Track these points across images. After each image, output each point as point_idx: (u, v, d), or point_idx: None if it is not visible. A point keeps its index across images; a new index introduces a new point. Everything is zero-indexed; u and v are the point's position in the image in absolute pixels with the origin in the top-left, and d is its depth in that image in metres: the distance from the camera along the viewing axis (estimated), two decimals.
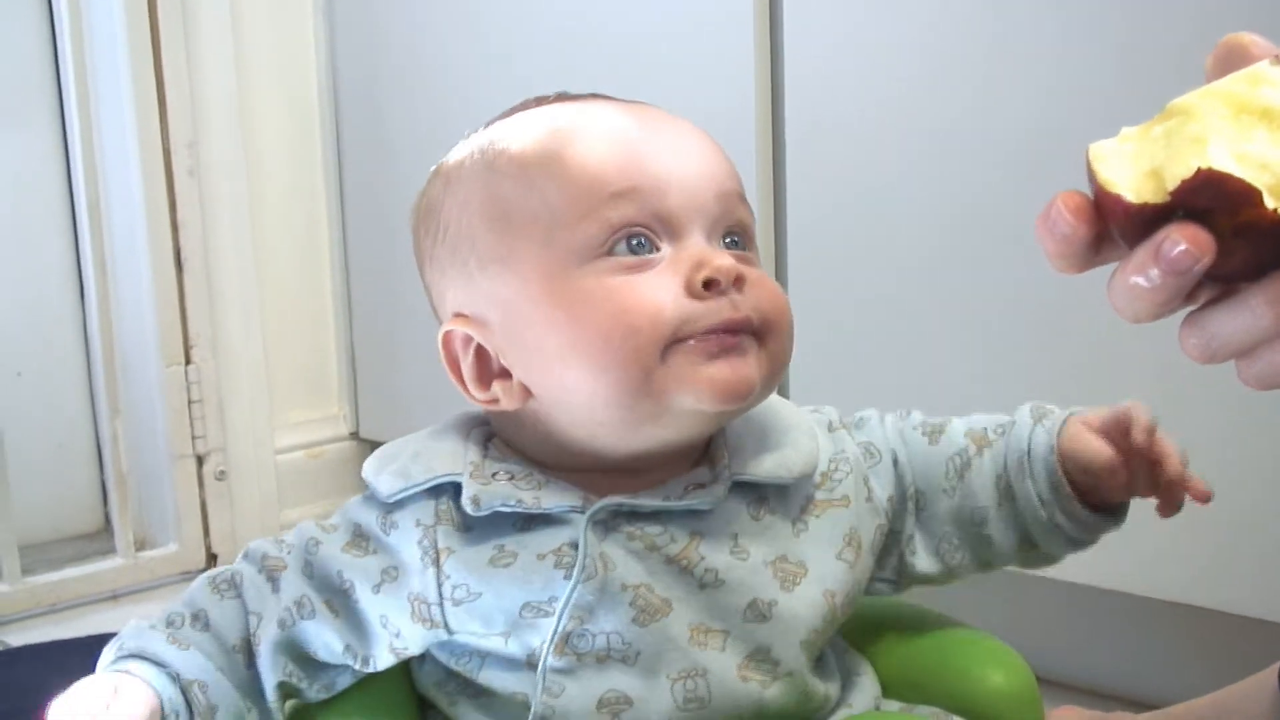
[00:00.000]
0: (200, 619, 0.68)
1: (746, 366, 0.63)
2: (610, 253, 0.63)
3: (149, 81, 1.54)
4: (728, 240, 0.66)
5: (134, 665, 0.65)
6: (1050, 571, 1.11)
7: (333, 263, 1.78)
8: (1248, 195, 0.43)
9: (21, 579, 1.48)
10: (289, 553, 0.70)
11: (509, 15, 1.46)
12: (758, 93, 1.23)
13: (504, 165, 0.67)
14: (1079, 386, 1.07)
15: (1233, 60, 0.48)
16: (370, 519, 0.69)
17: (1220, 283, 0.46)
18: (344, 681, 0.70)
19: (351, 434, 1.80)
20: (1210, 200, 0.44)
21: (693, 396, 0.63)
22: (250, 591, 0.69)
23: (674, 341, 0.62)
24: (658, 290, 0.62)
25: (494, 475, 0.67)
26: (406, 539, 0.67)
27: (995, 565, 0.73)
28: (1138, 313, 0.46)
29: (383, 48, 1.63)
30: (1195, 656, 1.11)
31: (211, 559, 1.62)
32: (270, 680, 0.67)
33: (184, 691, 0.65)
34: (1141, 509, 1.06)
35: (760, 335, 0.64)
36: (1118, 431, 0.68)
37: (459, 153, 0.71)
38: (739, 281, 0.63)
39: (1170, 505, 0.69)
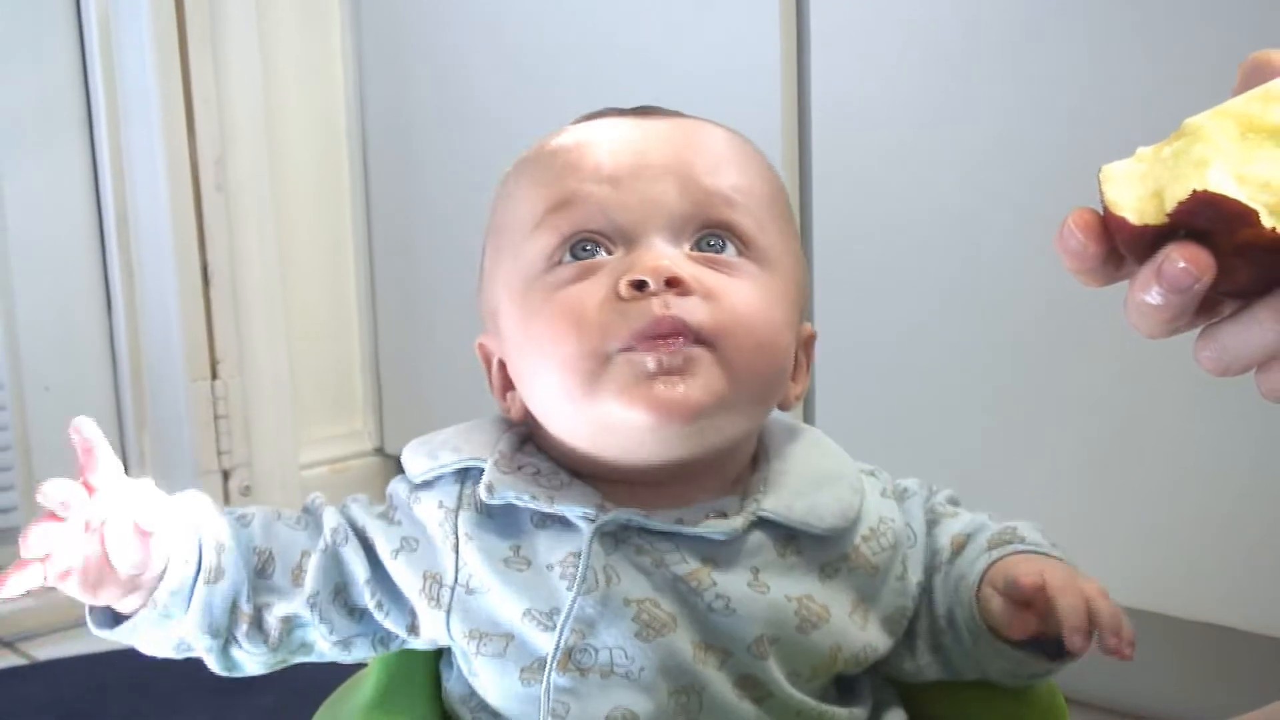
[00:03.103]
0: (245, 518, 0.68)
1: (688, 388, 0.61)
2: (562, 261, 0.64)
3: (177, 97, 1.54)
4: (708, 241, 0.64)
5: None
6: None
7: (358, 278, 1.78)
8: (1244, 215, 0.44)
9: (47, 594, 1.48)
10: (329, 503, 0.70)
11: (537, 30, 1.46)
12: (784, 120, 1.22)
13: (502, 184, 0.70)
14: (1104, 413, 1.06)
15: (1258, 77, 0.49)
16: (401, 491, 0.69)
17: (1235, 298, 0.47)
18: (361, 648, 0.68)
19: (376, 450, 1.80)
20: (1208, 221, 0.45)
21: (626, 411, 0.61)
22: (294, 521, 0.69)
23: (618, 350, 0.61)
24: (586, 296, 0.62)
25: (519, 468, 0.66)
26: (429, 517, 0.67)
27: (960, 677, 0.69)
28: (1150, 329, 0.48)
29: (410, 63, 1.64)
30: (1223, 676, 1.10)
31: None
32: (313, 586, 0.66)
33: (199, 545, 0.64)
34: (1173, 531, 1.06)
35: (712, 344, 0.61)
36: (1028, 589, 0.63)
37: None
38: (675, 284, 0.61)
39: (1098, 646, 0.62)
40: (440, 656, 0.71)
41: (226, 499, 1.62)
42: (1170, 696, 1.14)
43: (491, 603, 0.64)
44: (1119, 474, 1.06)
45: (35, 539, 0.59)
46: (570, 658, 0.63)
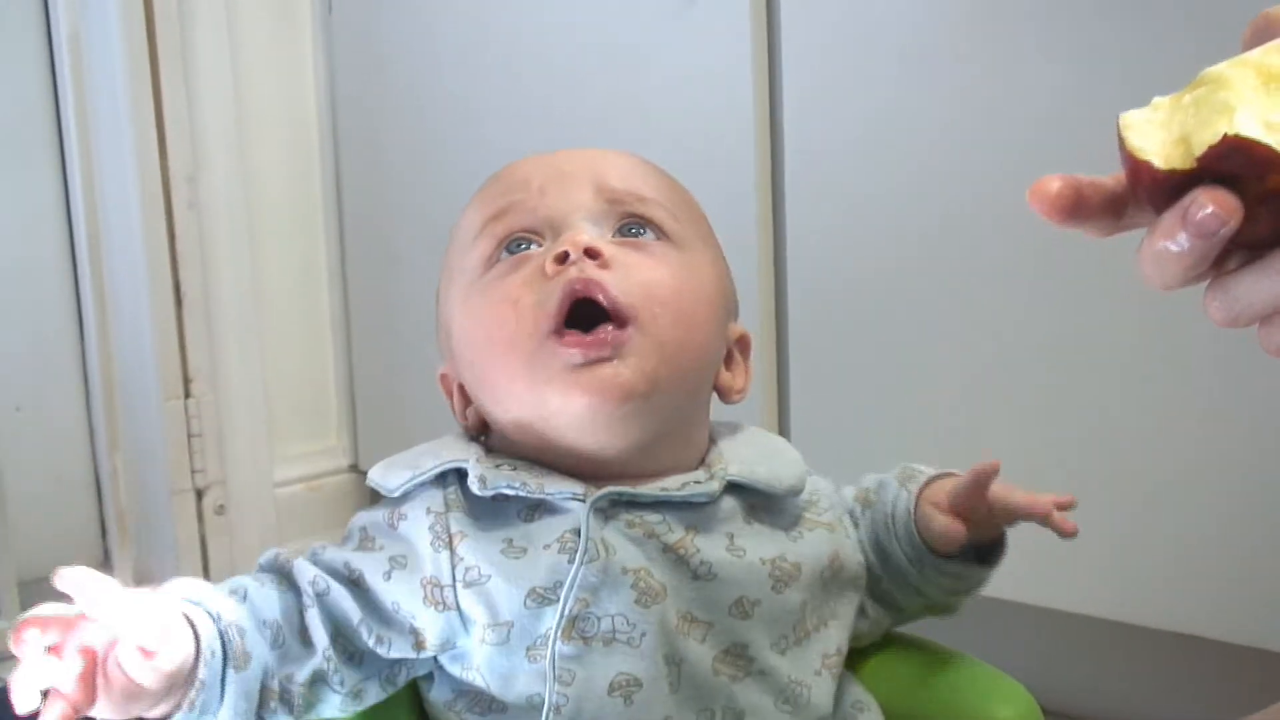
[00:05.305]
0: (238, 592, 0.66)
1: (618, 368, 0.65)
2: (499, 260, 0.70)
3: (148, 115, 1.54)
4: (628, 229, 0.70)
5: (179, 600, 0.63)
6: (1055, 603, 1.11)
7: (331, 295, 1.78)
8: (1273, 162, 0.44)
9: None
10: (294, 556, 0.70)
11: (508, 50, 1.46)
12: (757, 137, 1.23)
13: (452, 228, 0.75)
14: (1080, 422, 1.07)
15: (1268, 33, 0.48)
16: (376, 518, 0.70)
17: (1249, 249, 0.47)
18: (371, 693, 0.68)
19: (351, 466, 1.79)
20: (1237, 167, 0.44)
21: (563, 399, 0.66)
22: (274, 584, 0.67)
23: (549, 334, 0.66)
24: (520, 282, 0.68)
25: (498, 466, 0.68)
26: (417, 526, 0.68)
27: (906, 615, 0.77)
28: (1166, 279, 0.47)
29: (382, 81, 1.64)
30: (1198, 687, 1.11)
31: None
32: (322, 639, 0.66)
33: (221, 635, 0.63)
34: (1147, 543, 1.06)
35: (632, 317, 0.66)
36: (964, 504, 0.72)
37: None
38: (594, 255, 0.66)
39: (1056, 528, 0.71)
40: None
41: (201, 518, 1.61)
42: (1143, 707, 1.15)
43: (493, 590, 0.65)
44: (1093, 486, 1.06)
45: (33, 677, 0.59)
46: (574, 626, 0.64)
